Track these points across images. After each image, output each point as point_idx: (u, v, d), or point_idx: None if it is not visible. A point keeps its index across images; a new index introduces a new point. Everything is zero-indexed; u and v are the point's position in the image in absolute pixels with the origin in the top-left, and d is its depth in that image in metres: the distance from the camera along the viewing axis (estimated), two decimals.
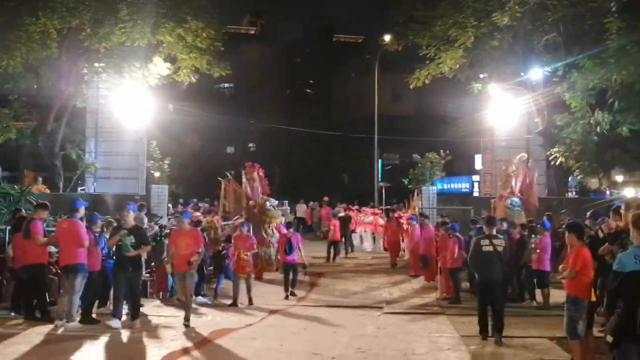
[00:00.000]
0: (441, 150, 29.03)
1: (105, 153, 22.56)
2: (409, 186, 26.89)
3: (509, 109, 23.40)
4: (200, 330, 10.97)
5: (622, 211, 10.36)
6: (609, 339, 5.68)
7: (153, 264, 14.44)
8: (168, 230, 14.73)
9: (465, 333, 10.78)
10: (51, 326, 10.89)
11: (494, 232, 10.89)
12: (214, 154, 55.62)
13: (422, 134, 42.13)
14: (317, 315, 12.57)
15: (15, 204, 15.77)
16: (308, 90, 75.44)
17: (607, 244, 9.84)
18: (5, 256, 12.57)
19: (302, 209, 34.42)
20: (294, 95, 73.35)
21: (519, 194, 18.55)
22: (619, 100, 21.58)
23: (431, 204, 22.76)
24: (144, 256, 13.60)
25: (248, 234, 14.50)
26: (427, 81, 24.31)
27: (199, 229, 13.31)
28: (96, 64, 21.56)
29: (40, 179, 21.64)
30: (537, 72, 22.77)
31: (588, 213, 12.67)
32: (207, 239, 15.20)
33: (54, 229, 12.24)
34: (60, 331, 10.74)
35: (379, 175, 38.87)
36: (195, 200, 28.82)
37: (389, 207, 28.19)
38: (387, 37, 28.55)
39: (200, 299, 13.72)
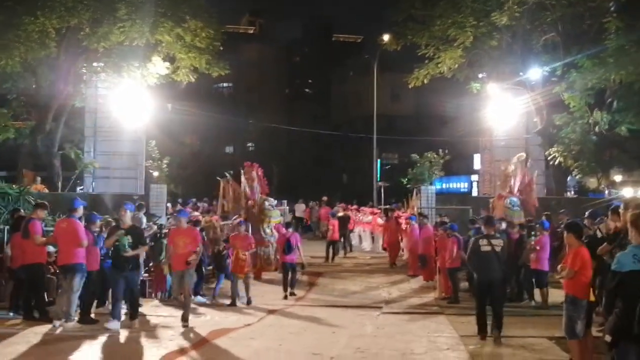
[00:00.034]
0: (440, 150, 29.05)
1: (104, 153, 22.53)
2: (408, 186, 26.89)
3: (507, 108, 23.39)
4: (199, 330, 10.97)
5: (620, 210, 10.35)
6: (608, 338, 5.67)
7: (151, 264, 14.42)
8: (167, 230, 14.70)
9: (464, 333, 10.79)
10: (50, 326, 10.89)
11: (493, 232, 10.89)
12: (213, 153, 55.59)
13: (421, 133, 42.14)
14: (316, 315, 12.57)
15: (14, 203, 15.76)
16: (307, 90, 75.40)
17: (605, 243, 9.83)
18: (4, 256, 12.56)
19: (300, 209, 34.43)
20: (293, 95, 73.32)
21: (518, 194, 18.55)
22: (618, 100, 21.57)
23: (430, 204, 22.75)
24: (143, 256, 13.61)
25: (246, 233, 14.49)
26: (426, 81, 24.29)
27: (197, 228, 13.31)
28: (95, 64, 21.55)
29: (39, 178, 21.63)
30: (535, 72, 22.75)
31: (587, 213, 12.66)
32: (205, 239, 15.23)
33: (52, 228, 12.23)
34: (58, 331, 10.74)
35: (378, 175, 38.89)
36: (194, 199, 28.80)
37: (387, 206, 28.20)
38: (386, 37, 28.55)
39: (199, 298, 13.71)
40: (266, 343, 10.21)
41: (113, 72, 20.99)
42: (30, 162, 23.11)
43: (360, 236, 27.60)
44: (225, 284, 14.41)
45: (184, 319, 11.32)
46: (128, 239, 10.84)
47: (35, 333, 10.51)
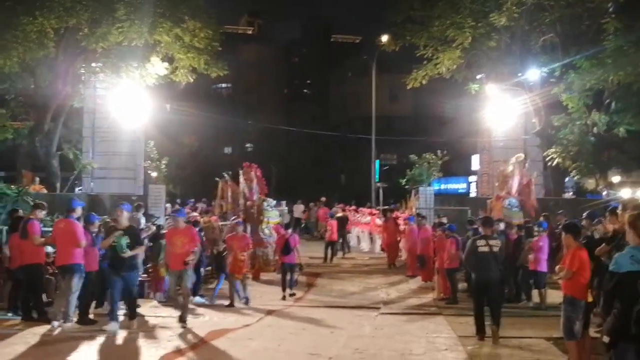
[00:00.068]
0: (438, 151, 29.03)
1: (103, 153, 22.47)
2: (406, 186, 26.88)
3: (506, 109, 23.39)
4: (197, 331, 10.97)
5: (619, 211, 10.37)
6: (606, 339, 5.68)
7: (150, 265, 14.41)
8: (165, 231, 14.69)
9: (463, 333, 10.81)
10: (48, 326, 10.87)
11: (490, 232, 10.92)
12: (212, 154, 55.57)
13: (419, 134, 42.19)
14: (314, 315, 12.58)
15: (12, 204, 15.75)
16: (306, 91, 75.43)
17: (603, 244, 9.85)
18: (2, 256, 12.56)
19: (299, 209, 34.46)
20: (292, 96, 73.33)
21: (516, 195, 18.55)
22: (616, 101, 21.60)
23: (428, 205, 22.76)
24: (142, 256, 13.61)
25: (244, 234, 14.47)
26: (424, 82, 24.29)
27: (196, 228, 13.31)
28: (93, 64, 21.50)
29: (37, 179, 21.63)
30: (534, 73, 22.76)
31: (585, 214, 12.68)
32: (204, 239, 15.24)
33: (51, 229, 12.23)
34: (57, 332, 10.73)
35: (377, 176, 38.90)
36: (192, 200, 28.80)
37: (386, 207, 28.21)
38: (384, 38, 28.52)
39: (197, 299, 13.72)
40: (265, 343, 10.22)
41: (111, 73, 20.95)
42: (29, 163, 23.13)
43: (358, 237, 27.64)
44: (225, 285, 14.40)
45: (183, 319, 11.33)
46: (126, 240, 10.83)
47: (34, 333, 10.51)
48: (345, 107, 63.56)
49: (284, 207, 27.04)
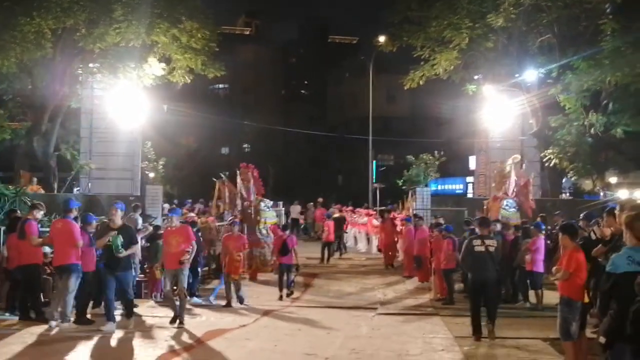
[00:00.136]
0: (435, 152, 29.06)
1: (100, 154, 22.44)
2: (403, 187, 26.90)
3: (503, 110, 23.43)
4: (194, 331, 10.97)
5: (616, 212, 10.39)
6: (602, 340, 5.70)
7: (146, 265, 14.40)
8: (162, 231, 14.69)
9: (459, 334, 10.83)
10: (46, 326, 10.88)
11: (487, 232, 10.95)
12: (209, 154, 55.56)
13: (416, 135, 42.20)
14: (311, 316, 12.58)
15: (10, 204, 15.73)
16: (303, 91, 75.43)
17: (600, 245, 9.87)
18: (0, 256, 12.54)
19: (296, 210, 34.45)
20: (289, 96, 73.33)
21: (513, 196, 18.56)
22: (613, 102, 21.63)
23: (425, 205, 22.76)
24: (138, 256, 13.61)
25: (239, 234, 14.47)
26: (421, 82, 24.29)
27: (193, 228, 13.31)
28: (91, 65, 21.47)
29: (35, 179, 21.60)
30: (531, 74, 22.79)
31: (582, 214, 12.71)
32: (202, 240, 15.25)
33: (48, 229, 12.22)
34: (54, 331, 10.73)
35: (374, 177, 38.91)
36: (190, 201, 28.79)
37: (383, 208, 28.22)
38: (381, 38, 28.54)
39: (194, 299, 13.72)
40: (261, 344, 10.22)
41: (109, 73, 20.93)
42: (27, 163, 23.10)
43: (355, 237, 27.65)
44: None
45: (180, 320, 11.33)
46: (120, 239, 10.81)
47: (31, 333, 10.50)
48: (342, 107, 63.60)
49: (281, 207, 27.04)
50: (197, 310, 12.94)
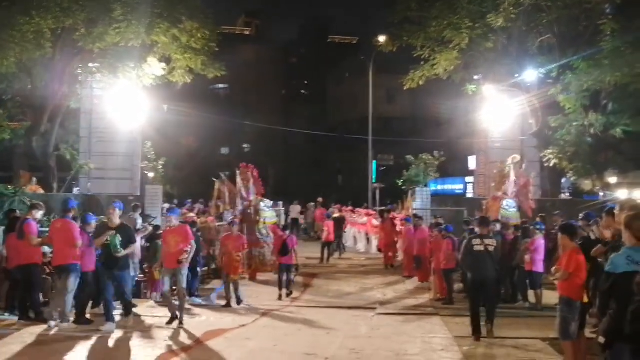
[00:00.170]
0: (435, 152, 29.03)
1: (100, 154, 22.41)
2: (403, 187, 26.89)
3: (503, 110, 23.42)
4: (194, 331, 10.98)
5: (616, 212, 10.38)
6: (601, 340, 5.70)
7: (146, 265, 14.39)
8: (161, 232, 14.69)
9: (459, 334, 10.84)
10: (45, 326, 10.89)
11: (486, 232, 10.96)
12: (209, 154, 55.53)
13: (416, 135, 42.16)
14: (311, 316, 12.59)
15: (9, 204, 15.72)
16: (303, 91, 75.34)
17: (600, 245, 9.87)
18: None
19: (296, 210, 34.44)
20: (289, 96, 73.23)
21: (512, 196, 18.56)
22: (613, 102, 21.62)
23: (425, 205, 22.76)
24: (138, 256, 13.62)
25: (238, 234, 14.47)
26: (421, 82, 24.28)
27: (193, 228, 13.30)
28: (90, 64, 21.44)
29: (34, 179, 21.59)
30: (531, 74, 22.77)
31: (581, 214, 12.70)
32: (202, 240, 15.25)
33: (48, 229, 12.21)
34: (54, 331, 10.73)
35: (374, 177, 38.89)
36: (189, 201, 28.77)
37: (383, 208, 28.21)
38: (381, 38, 28.51)
39: (194, 299, 13.72)
40: (261, 344, 10.22)
41: (108, 73, 20.90)
42: (26, 163, 23.09)
43: (355, 237, 27.64)
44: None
45: (179, 319, 11.33)
46: (119, 238, 10.79)
47: (31, 333, 10.51)
48: (342, 107, 63.53)
49: (281, 207, 27.04)
50: (196, 310, 12.95)
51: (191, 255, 11.76)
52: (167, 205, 21.54)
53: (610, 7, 21.00)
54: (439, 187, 41.26)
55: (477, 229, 11.31)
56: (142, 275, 14.25)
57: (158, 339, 10.41)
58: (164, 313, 12.15)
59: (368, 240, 26.05)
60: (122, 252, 10.84)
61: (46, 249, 12.27)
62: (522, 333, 10.97)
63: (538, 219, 15.64)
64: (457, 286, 14.83)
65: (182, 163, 44.19)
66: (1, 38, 18.89)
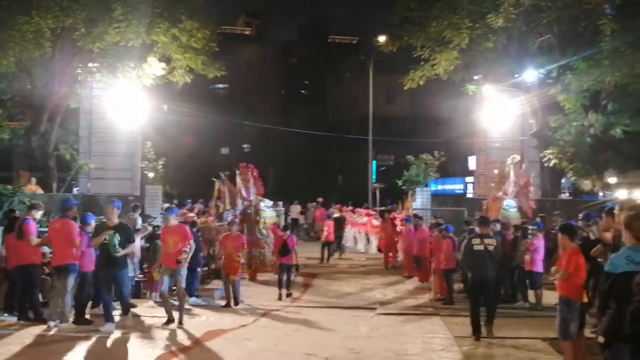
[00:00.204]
0: (435, 152, 29.02)
1: (99, 154, 22.41)
2: (403, 187, 26.88)
3: (503, 110, 23.42)
4: (194, 331, 10.96)
5: (616, 212, 10.38)
6: (601, 339, 5.69)
7: (145, 265, 14.38)
8: (160, 232, 14.68)
9: (459, 334, 10.84)
10: (44, 327, 10.87)
11: (486, 232, 10.96)
12: (209, 154, 55.49)
13: (416, 135, 42.15)
14: (310, 316, 12.58)
15: (8, 204, 15.70)
16: (303, 91, 75.32)
17: (599, 245, 9.87)
18: None
19: (296, 210, 34.45)
20: (289, 96, 73.20)
21: (512, 196, 18.55)
22: (613, 102, 21.61)
23: (425, 205, 22.76)
24: (138, 257, 13.60)
25: (238, 234, 14.46)
26: (421, 82, 24.27)
27: (193, 228, 13.30)
28: (90, 64, 21.44)
29: (33, 179, 21.56)
30: (531, 74, 22.76)
31: (581, 215, 12.70)
32: (202, 240, 15.23)
33: (47, 229, 12.20)
34: (53, 332, 10.72)
35: (374, 177, 38.89)
36: (189, 201, 28.76)
37: (383, 208, 28.21)
38: (381, 38, 28.51)
39: (193, 299, 13.71)
40: (261, 344, 10.22)
41: (108, 73, 20.89)
42: (25, 163, 23.05)
43: (355, 237, 27.63)
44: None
45: (179, 319, 11.31)
46: (117, 238, 10.76)
47: (30, 334, 10.50)
48: (342, 107, 63.51)
49: (281, 207, 27.05)
50: (196, 310, 12.94)
51: (190, 255, 11.72)
52: (167, 205, 21.54)
53: (610, 7, 20.98)
54: (439, 187, 41.25)
55: (477, 229, 11.31)
56: (141, 276, 14.23)
57: (158, 339, 10.40)
58: (164, 313, 12.13)
59: (368, 240, 26.04)
60: (121, 252, 10.81)
61: (45, 249, 12.25)
62: (522, 333, 10.98)
63: (538, 219, 15.63)
64: (457, 286, 14.84)
65: (182, 163, 44.17)
66: (1, 37, 18.88)
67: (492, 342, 10.30)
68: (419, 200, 22.95)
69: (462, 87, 24.31)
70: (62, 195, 19.87)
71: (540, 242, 13.49)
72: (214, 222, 18.83)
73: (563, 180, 26.85)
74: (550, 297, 11.56)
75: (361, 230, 26.87)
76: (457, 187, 46.20)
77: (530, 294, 13.69)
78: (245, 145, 64.49)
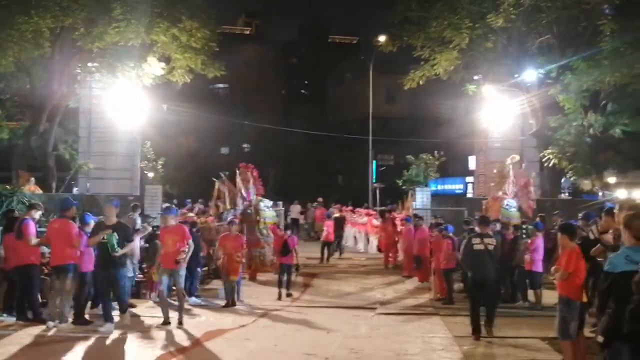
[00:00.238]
0: (435, 152, 29.04)
1: (99, 153, 22.40)
2: (403, 187, 26.90)
3: (503, 110, 23.43)
4: (193, 331, 10.93)
5: (615, 211, 10.38)
6: (600, 339, 5.69)
7: (145, 265, 14.37)
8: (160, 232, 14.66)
9: (459, 333, 10.83)
10: (43, 327, 10.84)
11: (486, 231, 10.96)
12: (209, 154, 55.50)
13: (416, 135, 42.14)
14: (310, 316, 12.56)
15: (7, 204, 15.68)
16: (303, 91, 75.33)
17: (599, 245, 9.87)
18: None
19: (296, 210, 34.44)
20: (289, 96, 73.20)
21: (512, 196, 18.54)
22: (612, 102, 21.62)
23: (425, 205, 22.75)
24: (137, 257, 13.58)
25: (237, 234, 14.44)
26: (421, 82, 24.31)
27: (193, 229, 13.28)
28: (89, 64, 21.43)
29: (33, 179, 21.55)
30: (531, 74, 22.79)
31: (581, 214, 12.71)
32: (202, 240, 15.22)
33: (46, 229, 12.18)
34: (52, 332, 10.70)
35: (374, 177, 38.91)
36: (189, 201, 28.77)
37: (383, 208, 28.21)
38: (381, 38, 28.53)
39: (193, 299, 13.69)
40: (261, 344, 10.20)
41: (107, 72, 20.87)
42: (25, 163, 23.00)
43: (355, 237, 27.62)
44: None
45: (178, 320, 11.29)
46: (115, 237, 10.72)
47: (29, 334, 10.47)
48: (342, 107, 63.52)
49: (281, 207, 27.06)
50: (196, 310, 12.92)
51: (189, 255, 11.68)
52: (166, 206, 21.52)
53: (609, 8, 21.01)
54: (439, 187, 41.29)
55: (477, 228, 11.31)
56: (141, 276, 14.22)
57: (157, 340, 10.38)
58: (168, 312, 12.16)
59: (368, 240, 26.03)
60: (120, 252, 10.79)
61: (45, 249, 12.22)
62: (522, 332, 10.97)
63: (537, 219, 15.64)
64: (457, 286, 14.83)
65: (182, 163, 44.21)
66: (0, 37, 18.88)
67: (492, 341, 10.30)
68: (419, 200, 22.95)
69: (462, 87, 24.33)
70: (61, 195, 19.84)
71: (539, 242, 13.49)
72: (214, 222, 18.82)
73: (563, 180, 26.86)
74: (550, 297, 11.55)
75: (361, 230, 26.86)
76: (457, 187, 46.23)
77: (530, 294, 13.70)
78: (245, 145, 64.48)
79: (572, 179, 23.67)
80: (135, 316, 11.93)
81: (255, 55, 65.99)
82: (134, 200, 18.41)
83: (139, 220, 15.28)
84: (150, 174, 28.60)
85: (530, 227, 14.38)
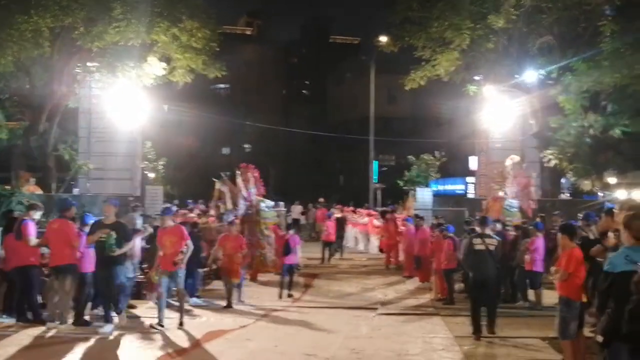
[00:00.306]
0: (436, 152, 29.05)
1: (99, 154, 22.37)
2: (404, 187, 26.89)
3: (503, 111, 23.43)
4: (194, 332, 10.93)
5: (615, 211, 10.37)
6: (600, 339, 5.68)
7: (145, 265, 14.35)
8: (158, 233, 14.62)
9: (459, 334, 10.84)
10: (43, 328, 10.84)
11: (487, 231, 10.96)
12: (210, 154, 55.52)
13: (417, 135, 42.17)
14: (311, 316, 12.58)
15: (7, 205, 15.67)
16: (304, 91, 75.31)
17: (598, 245, 9.86)
18: None
19: (297, 210, 34.46)
20: (290, 96, 73.21)
21: (512, 197, 18.54)
22: (612, 103, 21.59)
23: (426, 206, 22.75)
24: (137, 257, 13.56)
25: (237, 234, 14.43)
26: (422, 83, 24.29)
27: (194, 229, 13.27)
28: (89, 64, 21.39)
29: (32, 179, 21.55)
30: (531, 75, 22.76)
31: (581, 214, 12.70)
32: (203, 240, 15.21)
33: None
34: (52, 333, 10.69)
35: (375, 177, 38.89)
36: (190, 201, 28.77)
37: (384, 208, 28.22)
38: (383, 39, 28.49)
39: (194, 300, 13.69)
40: (262, 344, 10.21)
41: (107, 72, 20.82)
42: (24, 163, 23.00)
43: (356, 238, 27.62)
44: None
45: (179, 320, 11.28)
46: (113, 236, 10.67)
47: (28, 335, 10.47)
48: (343, 107, 63.51)
49: (282, 208, 27.05)
50: (197, 311, 12.92)
51: (187, 256, 11.62)
52: (165, 206, 21.52)
53: (609, 9, 20.98)
54: (440, 188, 41.23)
55: (477, 228, 11.32)
56: (141, 277, 14.20)
57: (157, 340, 10.37)
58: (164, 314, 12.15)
59: (368, 240, 26.03)
60: (118, 251, 10.75)
61: (45, 249, 12.21)
62: (522, 332, 10.98)
63: (538, 219, 15.64)
64: (458, 286, 14.82)
65: (182, 163, 44.22)
66: None
67: (493, 341, 10.30)
68: (420, 201, 22.94)
69: (463, 88, 24.31)
70: (61, 195, 19.83)
71: (540, 242, 13.49)
72: (215, 223, 18.81)
73: (563, 181, 26.85)
74: (550, 297, 11.56)
75: (362, 231, 26.86)
76: (458, 188, 46.14)
77: (530, 294, 13.70)
78: (245, 145, 64.49)
79: (572, 179, 23.64)
80: (136, 317, 11.93)
81: (256, 55, 66.02)
82: (134, 201, 18.39)
83: (139, 221, 15.27)
84: (151, 175, 28.61)
85: (530, 227, 14.37)
